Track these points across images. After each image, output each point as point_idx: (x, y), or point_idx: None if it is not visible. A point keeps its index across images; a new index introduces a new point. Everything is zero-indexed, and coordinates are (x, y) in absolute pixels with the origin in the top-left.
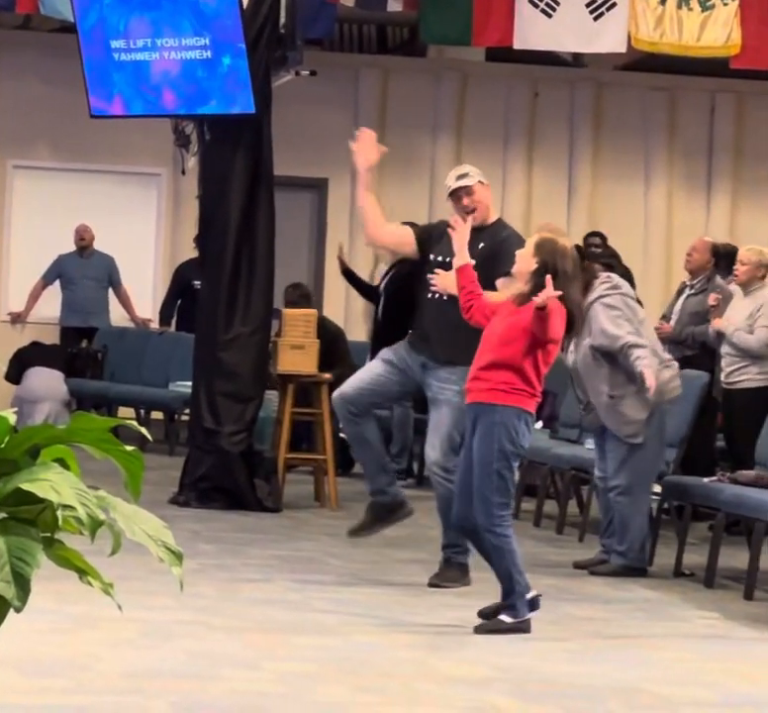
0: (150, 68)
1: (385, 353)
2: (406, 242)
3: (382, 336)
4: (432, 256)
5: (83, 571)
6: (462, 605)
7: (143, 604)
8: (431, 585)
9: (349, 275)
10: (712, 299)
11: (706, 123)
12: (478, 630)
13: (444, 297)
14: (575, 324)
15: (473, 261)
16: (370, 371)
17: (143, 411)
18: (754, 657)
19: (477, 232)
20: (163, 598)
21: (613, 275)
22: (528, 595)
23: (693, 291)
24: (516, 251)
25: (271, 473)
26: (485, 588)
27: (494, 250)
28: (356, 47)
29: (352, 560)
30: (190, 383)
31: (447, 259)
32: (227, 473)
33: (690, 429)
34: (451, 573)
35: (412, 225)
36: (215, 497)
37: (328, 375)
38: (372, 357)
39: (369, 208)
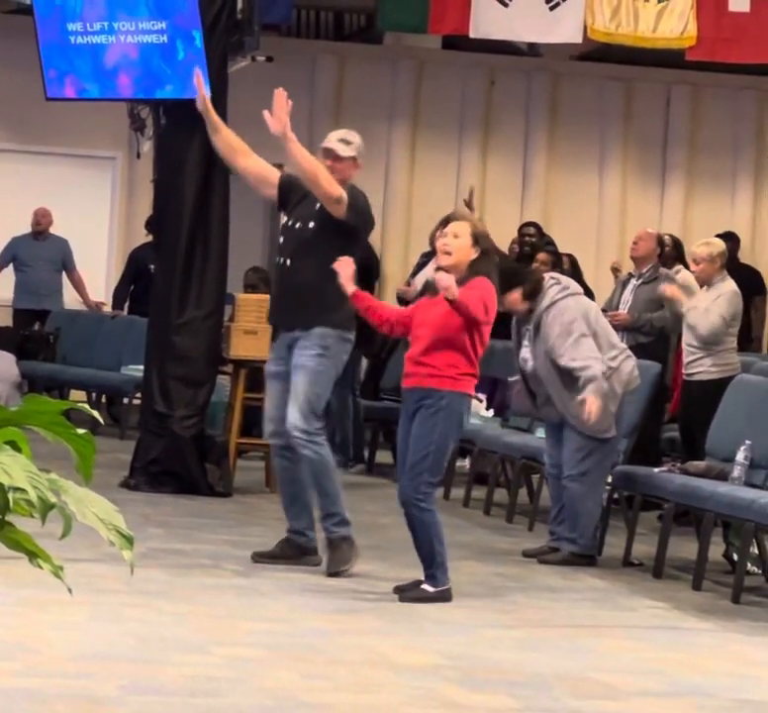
0: (107, 52)
1: (266, 368)
2: (269, 181)
3: None
4: (284, 220)
5: (34, 554)
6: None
7: (92, 587)
8: (329, 575)
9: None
10: (666, 290)
11: (661, 114)
12: (402, 598)
13: (287, 262)
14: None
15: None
16: (273, 398)
17: (94, 394)
18: (701, 646)
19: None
20: (113, 582)
21: (557, 275)
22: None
23: (643, 280)
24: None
25: (222, 458)
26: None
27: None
28: (313, 33)
29: None
30: (142, 367)
31: (290, 223)
32: (178, 458)
33: (642, 419)
34: (340, 554)
35: (288, 175)
36: (166, 481)
37: None
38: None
39: (228, 134)
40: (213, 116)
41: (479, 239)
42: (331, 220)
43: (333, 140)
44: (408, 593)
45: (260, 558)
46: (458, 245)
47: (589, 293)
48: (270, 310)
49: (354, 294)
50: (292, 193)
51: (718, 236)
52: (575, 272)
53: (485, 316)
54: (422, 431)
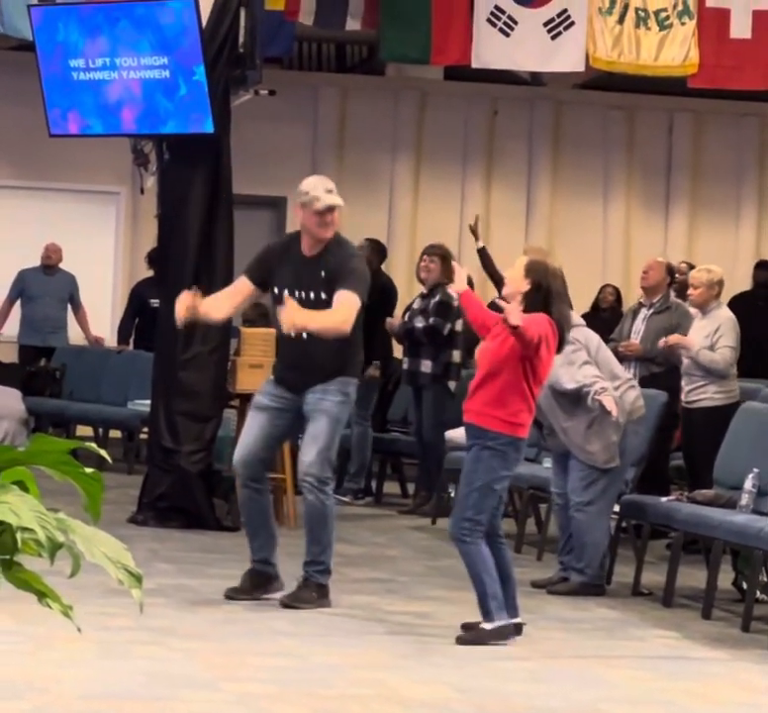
0: (109, 88)
1: (255, 400)
2: (250, 293)
3: None
4: (276, 290)
5: (43, 594)
6: (421, 625)
7: (101, 625)
8: (283, 605)
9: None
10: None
11: (664, 142)
12: (459, 641)
13: (303, 336)
14: (563, 342)
15: (466, 288)
16: (254, 428)
17: (101, 430)
18: (712, 676)
19: (313, 260)
20: (122, 619)
21: None
22: (515, 620)
23: (654, 309)
24: (355, 269)
25: (230, 493)
26: (443, 608)
27: (335, 274)
28: (315, 65)
29: None
30: (148, 402)
31: (303, 294)
32: (185, 493)
33: (649, 448)
34: (307, 594)
35: (254, 266)
36: (173, 516)
37: None
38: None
39: (213, 310)
40: (206, 317)
41: (529, 271)
42: (334, 284)
43: (321, 193)
44: (465, 635)
45: (232, 593)
46: (510, 275)
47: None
48: (281, 373)
49: (463, 294)
50: (269, 270)
51: (758, 264)
52: (619, 305)
53: (539, 348)
54: (469, 468)
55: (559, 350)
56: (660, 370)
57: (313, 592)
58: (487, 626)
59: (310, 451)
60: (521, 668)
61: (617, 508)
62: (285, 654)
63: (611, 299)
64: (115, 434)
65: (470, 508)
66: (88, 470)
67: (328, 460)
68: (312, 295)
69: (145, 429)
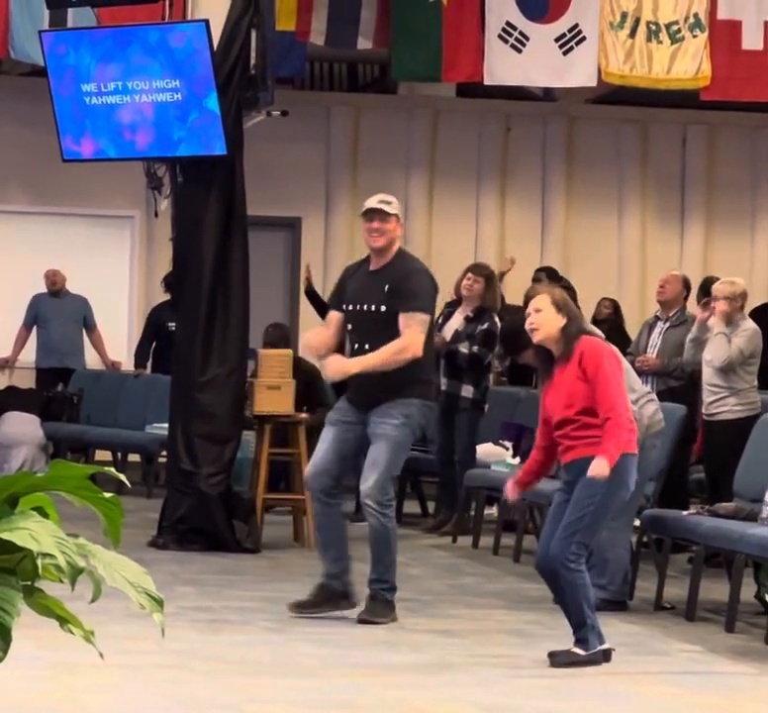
0: (122, 112)
1: (330, 415)
2: (335, 327)
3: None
4: (344, 306)
5: (64, 619)
6: (445, 643)
7: (123, 649)
8: (360, 622)
9: (313, 296)
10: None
11: (678, 155)
12: (553, 664)
13: (365, 347)
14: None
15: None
16: (324, 443)
17: (119, 454)
18: (737, 689)
19: (377, 274)
20: (144, 642)
21: None
22: (603, 646)
23: (671, 323)
24: (413, 286)
25: (250, 514)
26: (466, 626)
27: (397, 288)
28: (327, 85)
29: None
30: (167, 425)
31: (358, 307)
32: (205, 515)
33: (668, 462)
34: (381, 609)
35: (332, 295)
36: (194, 539)
37: (304, 415)
38: (336, 393)
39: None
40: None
41: (560, 306)
42: (396, 298)
43: (373, 202)
44: (559, 658)
45: (296, 608)
46: (542, 318)
47: (626, 339)
48: (352, 391)
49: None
50: (345, 291)
51: None
52: (617, 318)
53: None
54: (584, 492)
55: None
56: (678, 384)
57: (384, 606)
58: (580, 651)
59: (370, 475)
60: (544, 686)
61: (637, 522)
62: (308, 674)
63: (607, 312)
64: (134, 458)
65: (581, 532)
66: (107, 495)
67: (387, 484)
68: (373, 308)
69: (164, 452)
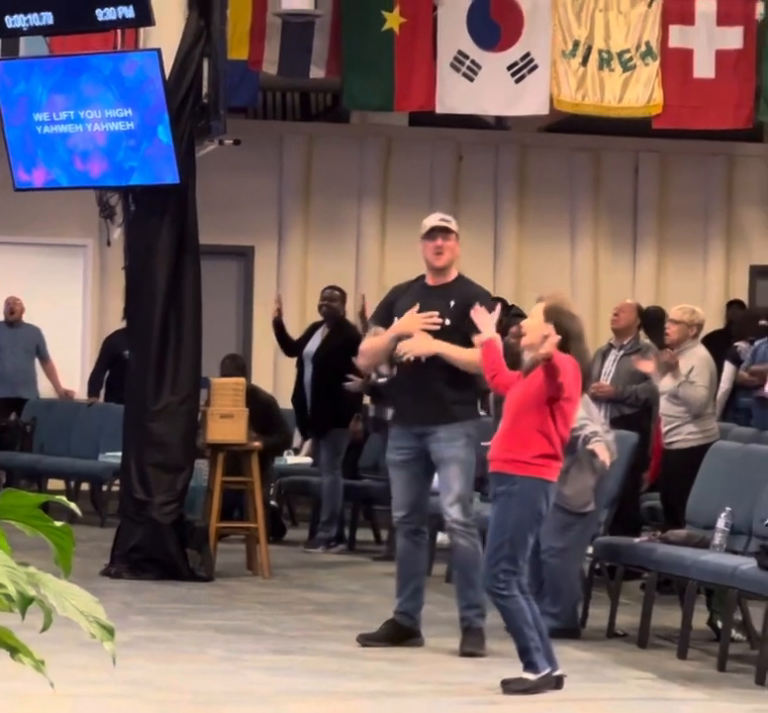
0: (74, 140)
1: (389, 456)
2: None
3: (313, 402)
4: (397, 318)
5: (14, 649)
6: (397, 671)
7: (75, 678)
8: (463, 655)
9: (279, 327)
10: (645, 366)
11: (630, 182)
12: (507, 690)
13: (422, 360)
14: (587, 382)
15: (497, 336)
16: (402, 482)
17: (73, 483)
18: None
19: (440, 290)
20: (96, 672)
21: None
22: (556, 672)
23: (625, 351)
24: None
25: (203, 543)
26: (418, 654)
27: (467, 306)
28: (280, 114)
29: (286, 628)
30: (120, 454)
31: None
32: (158, 544)
33: (621, 489)
34: (479, 639)
35: (378, 312)
36: (147, 568)
37: (257, 444)
38: (299, 425)
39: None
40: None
41: (551, 315)
42: (467, 317)
43: (435, 220)
44: (511, 685)
45: (367, 640)
46: (529, 324)
47: None
48: (399, 407)
49: (489, 341)
50: (394, 307)
51: (729, 303)
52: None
53: (565, 389)
54: (497, 519)
55: (584, 389)
56: (631, 412)
57: (481, 636)
58: (531, 676)
59: (449, 498)
60: (498, 712)
61: (590, 549)
62: (261, 703)
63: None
64: (87, 486)
65: (504, 560)
66: (58, 524)
67: (468, 504)
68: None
69: (117, 481)
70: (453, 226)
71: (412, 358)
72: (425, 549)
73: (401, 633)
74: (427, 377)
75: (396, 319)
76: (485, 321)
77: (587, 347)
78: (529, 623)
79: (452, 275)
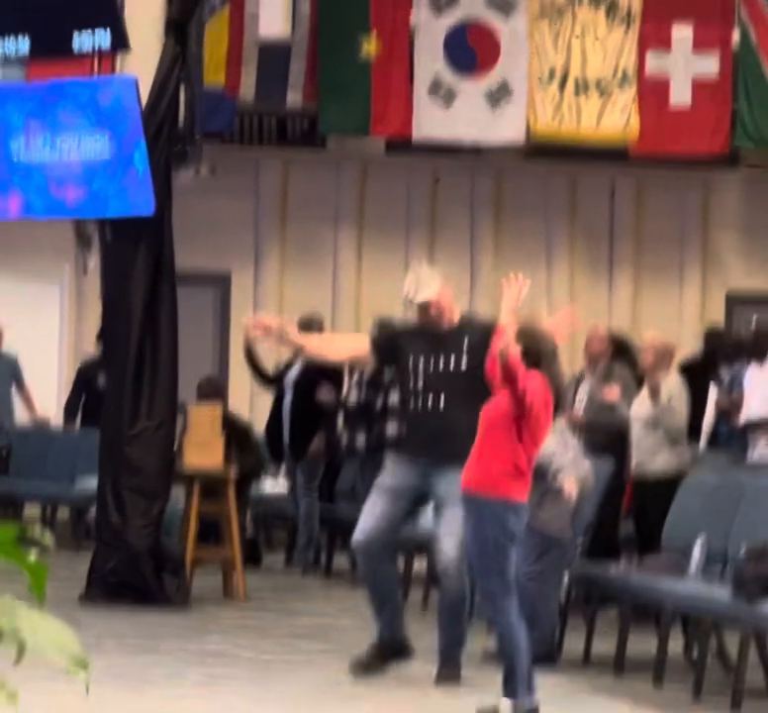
0: (50, 169)
1: (381, 479)
2: (363, 355)
3: (292, 427)
4: (411, 362)
5: None
6: (373, 696)
7: (51, 706)
8: (441, 682)
9: (251, 357)
10: (609, 394)
11: (606, 208)
12: None
13: (439, 403)
14: (561, 402)
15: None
16: (379, 508)
17: (49, 508)
18: None
19: (450, 333)
20: (72, 698)
21: None
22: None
23: (597, 378)
24: None
25: (179, 569)
26: (395, 682)
27: (487, 341)
28: (256, 139)
29: (262, 653)
30: (96, 479)
31: (431, 364)
32: (134, 569)
33: (597, 516)
34: (456, 671)
35: (382, 326)
36: (122, 593)
37: (233, 471)
38: (271, 452)
39: (310, 342)
40: (294, 340)
41: (521, 336)
42: (481, 359)
43: (414, 294)
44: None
45: (356, 670)
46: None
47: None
48: (413, 445)
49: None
50: (397, 344)
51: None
52: None
53: (525, 397)
54: (475, 549)
55: (557, 410)
56: (605, 439)
57: (458, 670)
58: (508, 704)
59: (451, 540)
60: None
61: (566, 577)
62: None
63: None
64: (63, 512)
65: (490, 584)
66: (33, 553)
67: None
68: (452, 365)
69: (94, 506)
70: (432, 286)
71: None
72: (392, 569)
73: (387, 654)
74: (453, 422)
75: (410, 360)
76: (507, 302)
77: (560, 368)
78: (523, 648)
79: (456, 318)
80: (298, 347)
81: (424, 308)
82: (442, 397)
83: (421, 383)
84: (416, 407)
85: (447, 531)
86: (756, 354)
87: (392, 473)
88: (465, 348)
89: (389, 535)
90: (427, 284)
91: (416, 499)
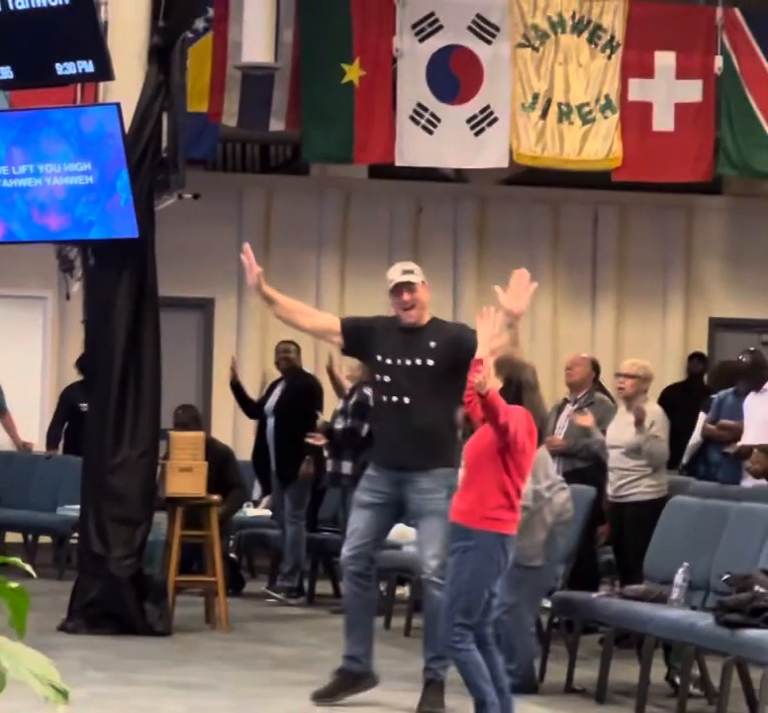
0: (33, 194)
1: (359, 496)
2: (332, 332)
3: (277, 454)
4: (378, 358)
5: None
6: None
7: None
8: None
9: (237, 388)
10: (583, 420)
11: (589, 234)
12: None
13: (404, 400)
14: (543, 431)
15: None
16: (363, 522)
17: (31, 536)
18: None
19: (417, 331)
20: None
21: None
22: None
23: (578, 405)
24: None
25: (161, 597)
26: (376, 709)
27: (454, 344)
28: (240, 166)
29: (244, 683)
30: (78, 507)
31: (397, 361)
32: (116, 598)
33: (578, 543)
34: (438, 697)
35: (353, 320)
36: (104, 623)
37: (216, 497)
38: (258, 477)
39: (284, 301)
40: (266, 291)
41: (501, 367)
42: (449, 359)
43: (397, 274)
44: None
45: (320, 698)
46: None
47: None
48: (382, 448)
49: (476, 362)
50: (367, 337)
51: (691, 356)
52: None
53: (517, 440)
54: (454, 574)
55: (540, 441)
56: (584, 465)
57: (441, 693)
58: None
59: (430, 551)
60: None
61: (548, 604)
62: None
63: None
64: (45, 539)
65: (459, 613)
66: (13, 585)
67: (446, 558)
68: (418, 362)
69: (76, 534)
70: (417, 276)
71: (399, 399)
72: (372, 592)
73: (351, 679)
74: (420, 419)
75: (378, 358)
76: (483, 335)
77: (541, 397)
78: (486, 677)
79: (425, 319)
80: (271, 300)
81: (403, 287)
82: (409, 392)
83: (387, 378)
84: (383, 402)
85: (427, 538)
86: (753, 381)
87: (368, 489)
88: (432, 346)
89: (373, 548)
90: (412, 272)
91: (395, 509)
